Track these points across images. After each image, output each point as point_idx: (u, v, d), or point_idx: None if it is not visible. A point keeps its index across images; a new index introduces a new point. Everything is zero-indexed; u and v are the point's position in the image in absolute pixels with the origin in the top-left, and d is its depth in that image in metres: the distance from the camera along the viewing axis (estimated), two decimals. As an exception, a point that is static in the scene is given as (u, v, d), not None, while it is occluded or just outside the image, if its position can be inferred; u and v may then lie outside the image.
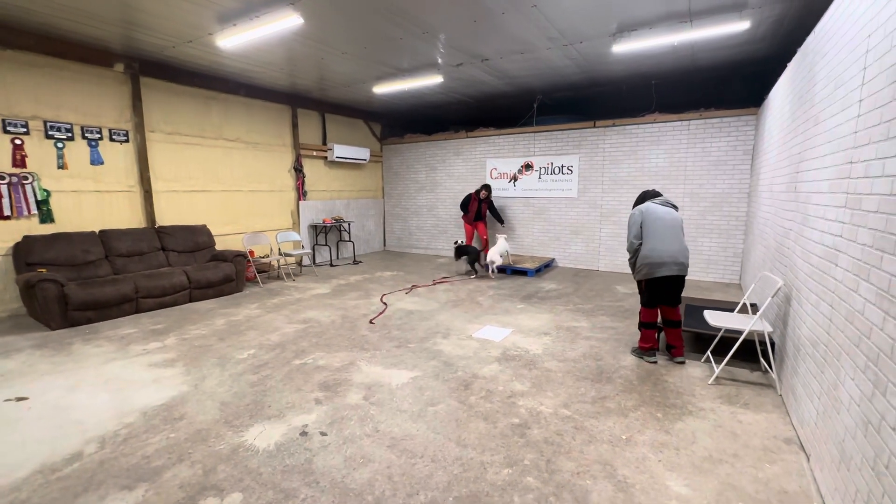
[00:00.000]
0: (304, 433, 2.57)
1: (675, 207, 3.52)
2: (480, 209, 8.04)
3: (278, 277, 7.08)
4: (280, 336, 4.27)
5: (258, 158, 7.37)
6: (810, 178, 2.69)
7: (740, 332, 3.16)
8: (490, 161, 8.59)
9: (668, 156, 6.86)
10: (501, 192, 8.48)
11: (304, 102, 8.00)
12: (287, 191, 7.94)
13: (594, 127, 7.42)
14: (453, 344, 4.05)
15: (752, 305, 4.46)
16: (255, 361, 3.64)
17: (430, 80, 6.51)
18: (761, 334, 3.10)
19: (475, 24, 4.53)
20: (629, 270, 7.27)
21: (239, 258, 6.10)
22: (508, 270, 7.28)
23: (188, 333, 4.35)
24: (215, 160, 6.74)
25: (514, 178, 8.31)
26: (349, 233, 8.97)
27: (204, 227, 6.41)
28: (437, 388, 3.15)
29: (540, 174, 8.07)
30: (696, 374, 3.36)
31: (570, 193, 7.81)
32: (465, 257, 7.27)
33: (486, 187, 7.85)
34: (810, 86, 2.93)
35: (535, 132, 8.02)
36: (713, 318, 3.27)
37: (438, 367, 3.51)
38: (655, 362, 3.43)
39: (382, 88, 6.99)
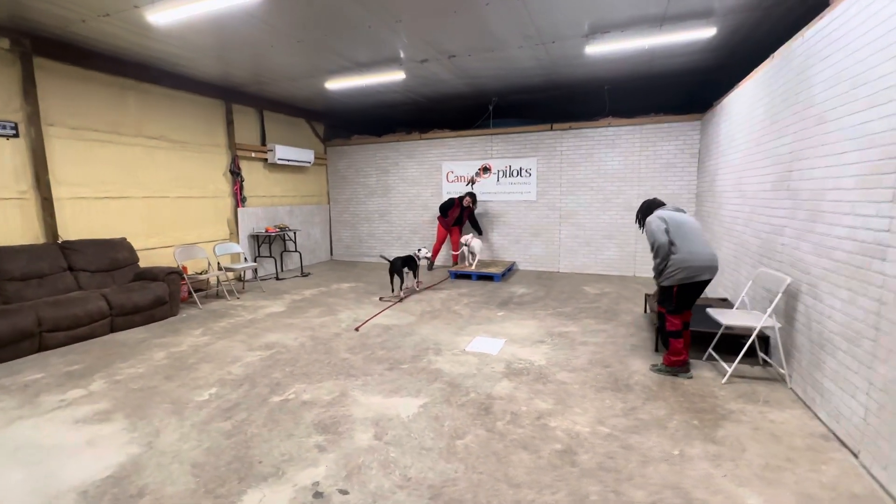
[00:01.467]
0: (318, 494, 2.06)
1: (684, 213, 3.48)
2: (461, 216, 7.73)
3: (218, 296, 6.16)
4: (244, 367, 3.59)
5: (187, 160, 6.38)
6: (819, 175, 2.75)
7: (744, 329, 3.20)
8: (446, 164, 8.32)
9: (622, 158, 7.11)
10: (459, 195, 8.24)
11: (239, 97, 7.11)
12: (222, 197, 6.99)
13: (551, 130, 7.49)
14: (450, 361, 3.68)
15: (722, 300, 4.64)
16: (222, 403, 2.98)
17: (391, 77, 6.09)
18: (758, 330, 3.14)
19: (454, 16, 4.23)
20: (590, 271, 7.53)
21: (172, 276, 5.17)
22: (474, 276, 7.05)
23: (120, 374, 3.50)
24: (135, 161, 5.69)
25: (472, 182, 8.13)
26: (295, 242, 8.15)
27: (123, 240, 5.35)
28: (454, 415, 2.77)
29: (498, 177, 7.97)
30: (706, 374, 3.34)
31: (530, 196, 7.80)
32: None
33: (472, 195, 7.57)
34: (803, 88, 3.04)
35: (492, 134, 7.91)
36: (722, 316, 3.27)
37: (445, 390, 3.13)
38: (691, 377, 3.31)
39: (336, 84, 6.41)
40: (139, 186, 5.75)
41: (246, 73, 6.02)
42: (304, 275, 7.76)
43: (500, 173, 7.94)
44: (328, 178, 9.46)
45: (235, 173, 7.09)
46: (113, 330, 4.53)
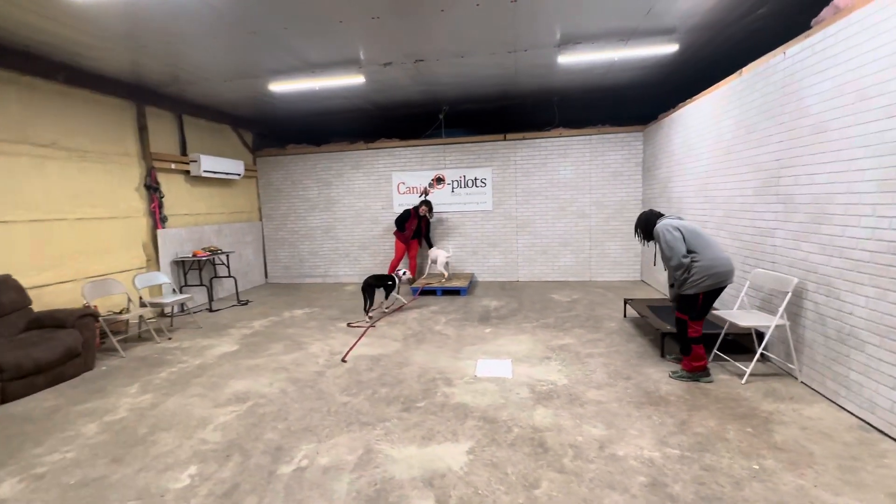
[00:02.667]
0: None
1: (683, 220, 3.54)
2: (420, 227, 7.30)
3: (141, 338, 5.03)
4: (220, 431, 2.86)
5: (88, 172, 5.17)
6: (822, 180, 2.95)
7: (754, 329, 3.33)
8: (397, 175, 7.90)
9: (574, 167, 7.34)
10: (414, 206, 7.86)
11: (153, 98, 6.00)
12: (136, 216, 5.80)
13: (505, 140, 7.49)
14: (468, 391, 3.32)
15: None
16: (215, 487, 2.28)
17: (348, 81, 5.56)
18: (772, 328, 3.30)
19: (440, 15, 3.93)
20: (549, 278, 7.62)
21: (86, 320, 4.07)
22: (439, 291, 6.71)
23: (39, 464, 2.56)
24: (17, 174, 4.43)
25: (426, 193, 7.80)
26: (228, 266, 7.08)
27: (7, 278, 4.10)
28: (512, 459, 2.43)
29: (453, 187, 7.76)
30: (719, 375, 3.41)
31: (486, 206, 7.71)
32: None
33: (428, 204, 7.18)
34: (791, 100, 3.27)
35: (444, 144, 7.69)
36: (736, 318, 3.38)
37: (484, 429, 2.77)
38: (712, 381, 3.33)
39: (282, 86, 5.69)
40: (25, 207, 4.49)
41: (166, 69, 5.05)
42: (241, 303, 6.75)
43: (455, 183, 7.74)
44: (259, 191, 8.45)
45: (153, 188, 5.94)
46: (5, 400, 3.38)
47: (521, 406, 3.05)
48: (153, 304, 5.03)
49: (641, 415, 2.87)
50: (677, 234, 3.26)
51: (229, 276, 7.06)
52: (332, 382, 3.59)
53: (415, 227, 7.24)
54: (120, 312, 4.71)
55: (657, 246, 3.57)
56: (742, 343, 3.93)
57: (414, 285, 6.87)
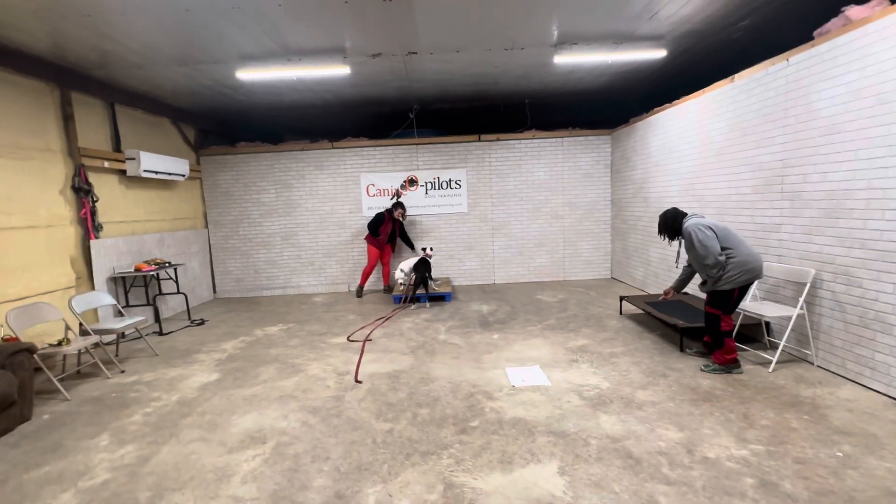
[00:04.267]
0: None
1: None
2: (394, 231, 6.85)
3: (80, 374, 4.10)
4: (255, 484, 2.34)
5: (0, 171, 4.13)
6: (838, 178, 3.18)
7: (776, 319, 3.53)
8: (366, 176, 7.42)
9: (548, 169, 7.44)
10: (387, 209, 7.43)
11: (81, 83, 4.99)
12: (61, 224, 4.75)
13: (479, 141, 7.38)
14: (515, 404, 3.10)
15: (684, 294, 5.13)
16: (284, 557, 1.82)
17: (332, 71, 5.06)
18: (794, 318, 3.50)
19: (459, 3, 3.68)
20: (524, 279, 7.62)
21: (20, 357, 3.18)
22: (423, 298, 6.38)
23: (8, 561, 1.87)
24: None
25: (398, 195, 7.42)
26: (177, 282, 6.11)
27: None
28: (610, 475, 2.26)
29: (426, 189, 7.47)
30: (745, 366, 3.55)
31: (461, 208, 7.52)
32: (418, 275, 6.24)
33: (401, 205, 6.76)
34: (799, 104, 3.51)
35: (417, 144, 7.38)
36: (760, 309, 3.54)
37: (560, 444, 2.57)
38: (742, 371, 3.42)
39: (252, 74, 5.01)
40: (-85, 214, 3.43)
41: (91, 51, 4.20)
42: (195, 323, 5.86)
43: (428, 185, 7.46)
44: (204, 194, 7.46)
45: (83, 190, 4.92)
46: (-86, 475, 2.49)
47: (581, 415, 2.90)
48: (100, 332, 4.11)
49: (702, 412, 2.86)
50: (710, 232, 3.33)
51: (178, 293, 6.09)
52: (358, 408, 3.16)
53: (389, 232, 6.85)
54: (59, 344, 3.76)
55: (681, 245, 3.64)
56: (745, 333, 4.15)
57: (395, 293, 6.46)
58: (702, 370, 3.51)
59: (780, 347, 3.48)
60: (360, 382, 3.63)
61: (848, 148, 3.11)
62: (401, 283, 6.39)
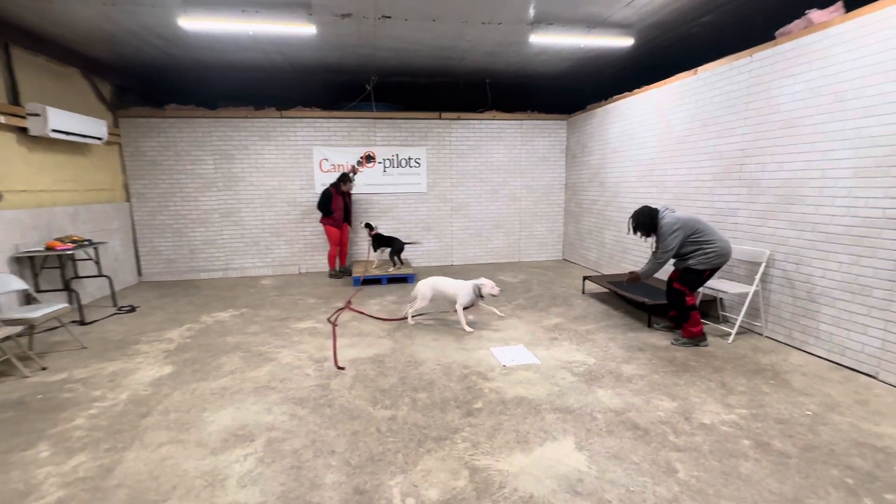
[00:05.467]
0: None
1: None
2: (347, 206, 6.43)
3: (-11, 373, 3.39)
4: (257, 487, 2.07)
5: None
6: (794, 167, 3.52)
7: (734, 295, 3.87)
8: (319, 150, 6.90)
9: (507, 151, 7.47)
10: (332, 183, 7.00)
11: (-35, 14, 4.00)
12: (-56, 192, 3.83)
13: (440, 119, 7.18)
14: (512, 383, 3.09)
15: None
16: (317, 565, 1.63)
17: (295, 29, 4.54)
18: (751, 294, 3.87)
19: (449, -35, 3.45)
20: (481, 261, 7.66)
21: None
22: (384, 280, 6.16)
23: None
24: None
25: (354, 171, 7.02)
26: (99, 264, 5.25)
27: None
28: (626, 447, 2.33)
29: (385, 167, 7.14)
30: (711, 338, 3.87)
31: (420, 188, 7.32)
32: (386, 249, 6.50)
33: (347, 177, 6.34)
34: (760, 98, 3.81)
35: (375, 118, 7.00)
36: (721, 286, 3.86)
37: (569, 420, 2.60)
38: (707, 344, 3.71)
39: (199, 23, 4.34)
40: None
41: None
42: (124, 310, 5.11)
43: (387, 162, 7.14)
44: (125, 163, 6.46)
45: (-26, 150, 3.99)
46: None
47: (579, 391, 2.97)
48: (12, 322, 3.39)
49: (686, 382, 3.06)
50: (679, 235, 3.57)
51: (100, 276, 5.26)
52: (350, 396, 2.95)
53: (342, 207, 6.44)
54: (-43, 338, 3.03)
55: (657, 239, 3.79)
56: (702, 309, 4.51)
57: (355, 275, 6.16)
58: (672, 344, 3.76)
59: (739, 321, 3.84)
60: (342, 369, 3.40)
61: (804, 141, 3.44)
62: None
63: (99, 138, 5.49)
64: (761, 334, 3.91)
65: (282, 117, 6.73)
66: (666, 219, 3.68)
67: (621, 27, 4.94)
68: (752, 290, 3.75)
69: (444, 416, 2.68)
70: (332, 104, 7.08)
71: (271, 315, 4.84)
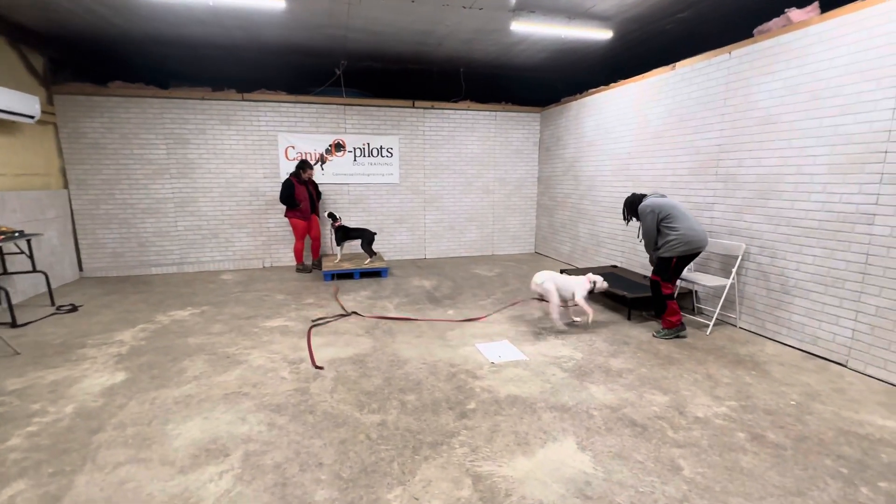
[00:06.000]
0: None
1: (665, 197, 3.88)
2: (312, 196, 6.07)
3: None
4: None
5: None
6: (771, 163, 3.61)
7: (709, 288, 3.96)
8: (285, 137, 6.49)
9: (481, 143, 7.35)
10: (292, 173, 6.63)
11: None
12: None
13: (413, 107, 6.95)
14: (503, 381, 2.99)
15: (613, 266, 5.56)
16: None
17: (262, 3, 4.16)
18: (728, 286, 3.96)
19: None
20: (455, 254, 7.53)
21: None
22: (356, 274, 5.90)
23: None
24: None
25: (322, 160, 6.67)
26: (32, 258, 4.66)
27: None
28: (627, 445, 2.28)
29: (355, 156, 6.83)
30: (689, 330, 3.94)
31: (392, 179, 7.07)
32: (352, 242, 6.28)
33: (306, 163, 5.98)
34: (739, 95, 3.88)
35: (345, 105, 6.67)
36: (699, 279, 3.93)
37: (567, 420, 2.53)
38: (686, 335, 3.75)
39: (150, -11, 3.88)
40: None
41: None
42: (64, 309, 4.58)
43: (358, 151, 6.84)
44: (62, 145, 5.79)
45: None
46: None
47: (572, 387, 2.90)
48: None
49: (673, 375, 3.08)
50: (654, 217, 3.65)
51: (34, 271, 4.68)
52: (332, 400, 2.73)
53: (307, 197, 6.07)
54: None
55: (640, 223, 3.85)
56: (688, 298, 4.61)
57: (325, 269, 5.85)
58: (654, 336, 3.80)
59: (716, 314, 3.93)
60: (320, 368, 3.18)
61: (781, 137, 3.53)
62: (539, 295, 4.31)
63: (30, 116, 4.88)
64: (735, 325, 4.02)
65: (243, 100, 6.26)
66: (644, 202, 3.78)
67: (601, 19, 4.91)
68: (728, 282, 3.84)
69: (437, 419, 2.53)
70: (298, 88, 6.68)
71: (237, 313, 4.49)
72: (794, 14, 3.45)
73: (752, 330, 3.89)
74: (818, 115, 3.27)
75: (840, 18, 3.10)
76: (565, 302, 4.05)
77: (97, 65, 6.16)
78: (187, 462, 2.14)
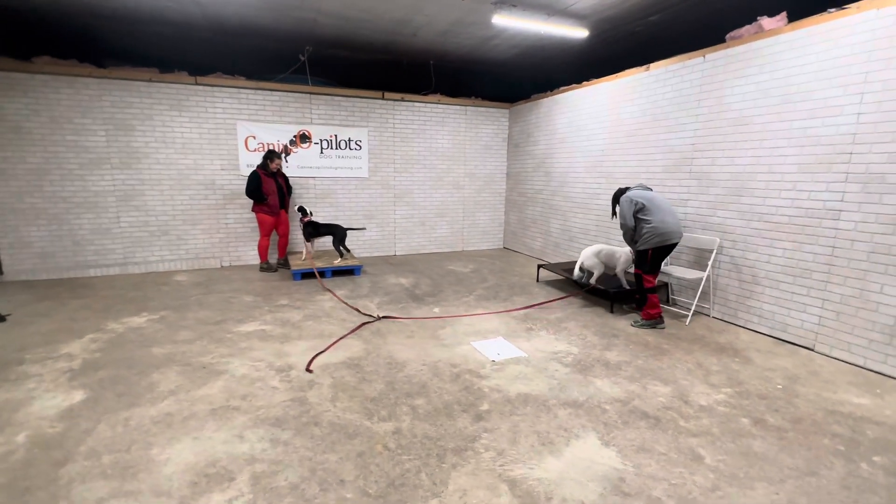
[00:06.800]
0: None
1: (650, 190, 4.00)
2: (281, 190, 5.66)
3: None
4: (254, 540, 1.63)
5: None
6: (744, 162, 3.84)
7: (687, 281, 4.16)
8: (245, 126, 6.02)
9: (451, 137, 7.26)
10: (259, 164, 6.19)
11: None
12: None
13: (383, 99, 6.70)
14: (509, 380, 2.95)
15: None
16: None
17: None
18: (704, 279, 4.18)
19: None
20: (425, 250, 7.42)
21: None
22: (328, 273, 5.61)
23: None
24: None
25: (286, 152, 6.27)
26: (-57, 258, 3.95)
27: None
28: (647, 438, 2.31)
29: (322, 148, 6.49)
30: (668, 321, 4.12)
31: (361, 173, 6.80)
32: (320, 239, 6.02)
33: (273, 153, 5.58)
34: (712, 97, 4.09)
35: (311, 93, 6.30)
36: (676, 272, 4.11)
37: (582, 416, 2.52)
38: (664, 326, 3.91)
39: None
40: None
41: None
42: (-12, 319, 3.95)
43: (325, 143, 6.49)
44: (-26, 129, 4.97)
45: None
46: None
47: (577, 382, 2.91)
48: None
49: (668, 366, 3.19)
50: (631, 207, 3.81)
51: (-53, 276, 3.98)
52: (336, 409, 2.54)
53: (276, 190, 5.69)
54: None
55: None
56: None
57: (294, 268, 5.50)
58: (632, 325, 3.94)
59: (694, 305, 4.14)
60: (310, 372, 2.97)
61: (754, 138, 3.77)
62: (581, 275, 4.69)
63: (-65, 93, 4.12)
64: (708, 315, 4.27)
65: (197, 84, 5.71)
66: (625, 193, 3.93)
67: (578, 17, 4.98)
68: (705, 274, 4.06)
69: (453, 423, 2.43)
70: (257, 74, 6.21)
71: (202, 318, 4.09)
72: (766, 22, 3.67)
73: (725, 319, 4.14)
74: (789, 117, 3.51)
75: (809, 28, 3.35)
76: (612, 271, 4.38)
77: (19, 37, 5.35)
78: (186, 491, 1.88)
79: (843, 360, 3.27)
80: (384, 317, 4.12)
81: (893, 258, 2.96)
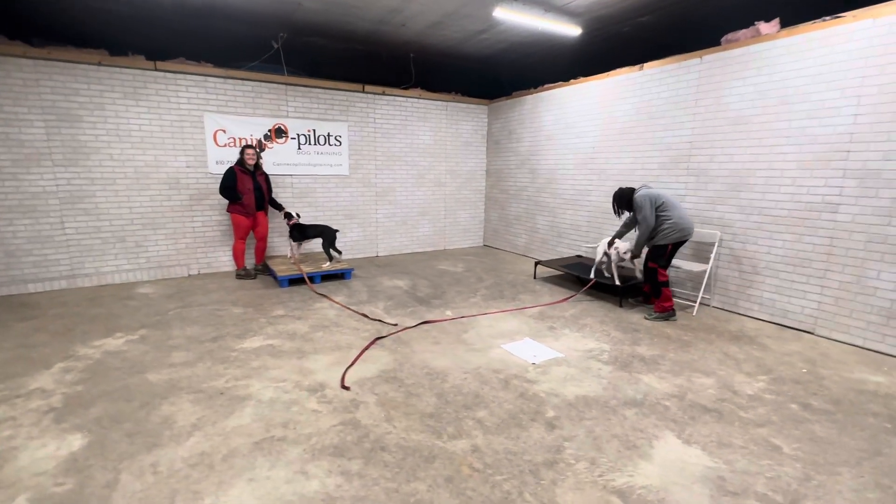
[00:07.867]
0: None
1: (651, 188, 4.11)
2: (260, 189, 5.13)
3: None
4: None
5: None
6: (742, 160, 4.05)
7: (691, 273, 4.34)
8: (213, 118, 5.41)
9: (433, 133, 7.06)
10: (236, 160, 5.64)
11: None
12: None
13: (363, 92, 6.36)
14: (558, 382, 2.87)
15: (578, 257, 5.83)
16: None
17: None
18: (709, 271, 4.37)
19: None
20: (408, 250, 7.21)
21: None
22: (318, 277, 5.22)
23: None
24: None
25: (260, 147, 5.74)
26: None
27: None
28: (719, 431, 2.33)
29: (299, 143, 6.02)
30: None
31: (341, 170, 6.41)
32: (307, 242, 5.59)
33: (250, 147, 5.09)
34: (710, 96, 4.27)
35: (286, 84, 5.81)
36: (683, 265, 4.26)
37: (649, 415, 2.51)
38: (676, 318, 4.03)
39: None
40: None
41: None
42: (-89, 352, 3.19)
43: (302, 139, 6.03)
44: None
45: None
46: None
47: (626, 380, 2.90)
48: None
49: (698, 357, 3.28)
50: (648, 201, 3.93)
51: None
52: (397, 430, 2.32)
53: (253, 188, 5.18)
54: None
55: (635, 213, 4.06)
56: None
57: (281, 274, 5.05)
58: (646, 318, 4.05)
59: (700, 296, 4.32)
60: (347, 389, 2.71)
61: (753, 136, 3.99)
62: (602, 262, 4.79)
63: None
64: (709, 305, 4.48)
65: (156, 70, 5.04)
66: (638, 192, 4.03)
67: (573, 15, 5.01)
68: (709, 266, 4.25)
69: (528, 433, 2.30)
70: (225, 62, 5.62)
71: (193, 335, 3.61)
72: (763, 27, 3.89)
73: (726, 308, 4.37)
74: (787, 118, 3.75)
75: (807, 34, 3.58)
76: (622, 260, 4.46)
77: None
78: (269, 547, 1.59)
79: (843, 342, 3.56)
80: (423, 322, 3.90)
81: (889, 247, 3.26)
